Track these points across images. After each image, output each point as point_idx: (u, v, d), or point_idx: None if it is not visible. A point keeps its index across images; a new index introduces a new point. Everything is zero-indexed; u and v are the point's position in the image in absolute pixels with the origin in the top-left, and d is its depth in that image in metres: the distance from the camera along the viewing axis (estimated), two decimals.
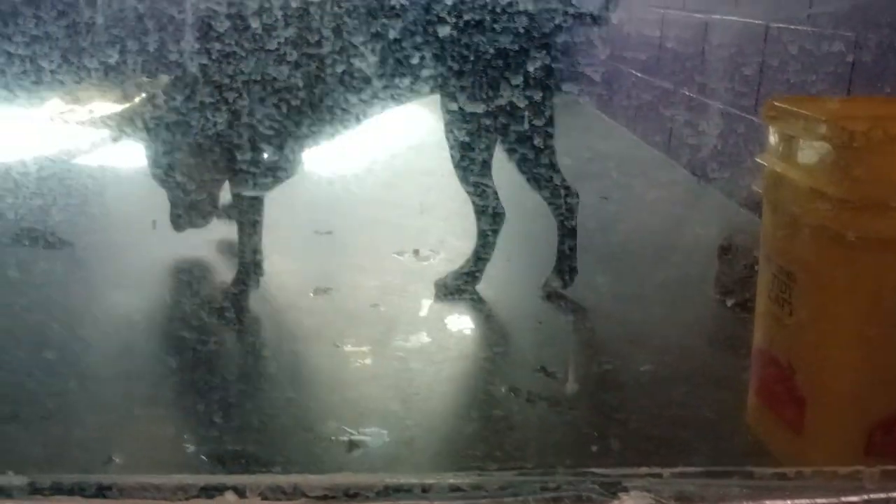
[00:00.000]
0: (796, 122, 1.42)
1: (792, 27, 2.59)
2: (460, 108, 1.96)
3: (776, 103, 1.48)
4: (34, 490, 0.81)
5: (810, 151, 1.40)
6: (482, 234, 2.11)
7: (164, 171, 2.15)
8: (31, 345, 1.76)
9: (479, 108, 1.95)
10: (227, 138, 1.99)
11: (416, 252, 2.45)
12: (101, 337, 1.85)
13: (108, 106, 2.37)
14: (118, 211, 2.70)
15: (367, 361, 1.77)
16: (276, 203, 2.57)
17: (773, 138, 1.50)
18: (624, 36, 4.36)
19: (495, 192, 2.10)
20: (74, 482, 0.82)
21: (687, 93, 3.41)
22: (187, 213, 2.21)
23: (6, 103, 2.99)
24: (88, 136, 2.71)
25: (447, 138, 2.02)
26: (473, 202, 2.09)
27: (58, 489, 0.81)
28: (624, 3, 4.23)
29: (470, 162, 2.01)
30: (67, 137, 3.21)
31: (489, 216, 2.09)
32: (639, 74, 4.07)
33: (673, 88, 3.58)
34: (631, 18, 4.24)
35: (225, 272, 2.18)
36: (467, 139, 1.99)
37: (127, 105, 2.18)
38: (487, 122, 1.98)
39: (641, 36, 4.06)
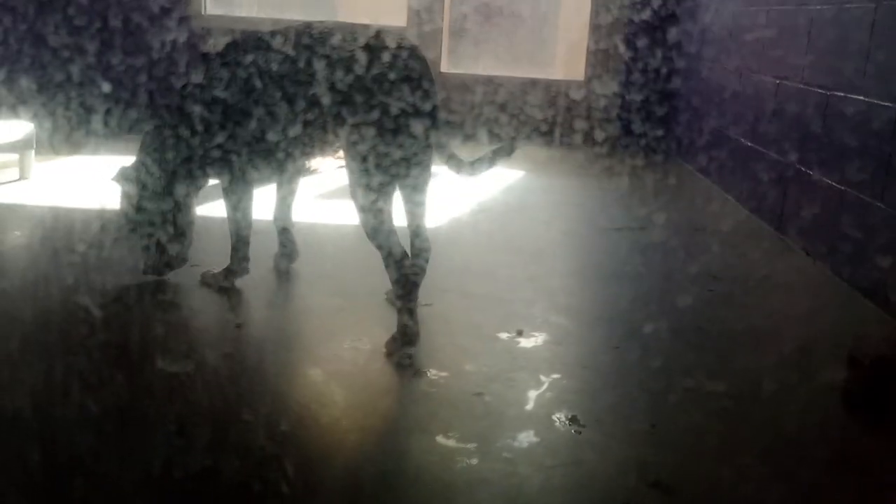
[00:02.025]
0: None
1: None
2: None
3: None
4: None
5: None
6: None
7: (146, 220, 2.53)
8: None
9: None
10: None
11: (519, 332, 2.37)
12: None
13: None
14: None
15: (474, 462, 1.69)
16: (373, 273, 2.54)
17: None
18: (735, 102, 4.23)
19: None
20: None
21: (803, 168, 3.26)
22: (166, 258, 2.58)
23: None
24: None
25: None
26: None
27: None
28: (735, 65, 4.11)
29: None
30: None
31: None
32: (749, 144, 3.92)
33: (787, 162, 3.43)
34: (742, 83, 4.11)
35: None
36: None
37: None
38: None
39: (755, 104, 3.92)
